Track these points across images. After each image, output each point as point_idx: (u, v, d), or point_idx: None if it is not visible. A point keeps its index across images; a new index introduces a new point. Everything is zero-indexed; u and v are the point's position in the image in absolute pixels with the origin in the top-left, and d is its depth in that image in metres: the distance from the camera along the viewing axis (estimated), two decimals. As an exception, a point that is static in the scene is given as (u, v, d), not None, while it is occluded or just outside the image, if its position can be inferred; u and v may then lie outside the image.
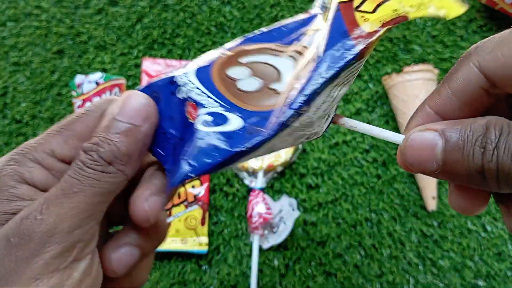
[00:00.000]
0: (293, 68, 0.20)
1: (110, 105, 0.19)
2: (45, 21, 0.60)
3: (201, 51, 0.58)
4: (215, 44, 0.58)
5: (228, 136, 0.19)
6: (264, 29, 0.21)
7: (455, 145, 0.16)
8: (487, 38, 0.17)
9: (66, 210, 0.17)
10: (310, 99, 0.19)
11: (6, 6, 0.61)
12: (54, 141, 0.19)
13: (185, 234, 0.48)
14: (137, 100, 0.19)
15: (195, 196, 0.49)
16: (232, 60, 0.21)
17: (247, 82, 0.20)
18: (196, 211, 0.49)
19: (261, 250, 0.49)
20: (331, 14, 0.20)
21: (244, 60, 0.20)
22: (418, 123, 0.19)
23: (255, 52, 0.21)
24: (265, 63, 0.20)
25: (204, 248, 0.48)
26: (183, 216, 0.48)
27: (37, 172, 0.18)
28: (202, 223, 0.48)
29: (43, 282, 0.16)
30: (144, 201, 0.19)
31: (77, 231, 0.17)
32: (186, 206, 0.49)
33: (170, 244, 0.47)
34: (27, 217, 0.16)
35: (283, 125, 0.19)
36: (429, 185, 0.49)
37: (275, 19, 0.59)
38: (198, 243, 0.48)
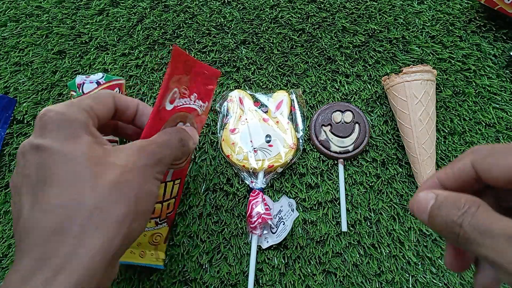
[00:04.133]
0: None
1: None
2: (46, 21, 0.60)
3: (202, 51, 0.58)
4: (215, 45, 0.58)
5: None
6: None
7: (438, 205, 0.24)
8: (483, 146, 0.25)
9: (164, 154, 0.31)
10: None
11: (6, 6, 0.61)
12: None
13: (146, 248, 0.44)
14: (197, 134, 0.38)
15: (167, 214, 0.45)
16: None
17: None
18: (163, 229, 0.45)
19: (261, 249, 0.49)
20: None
21: None
22: (428, 185, 0.28)
23: None
24: None
25: (160, 263, 0.45)
26: (149, 232, 0.44)
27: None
28: (165, 241, 0.46)
29: (155, 181, 0.30)
30: None
31: (165, 167, 0.31)
32: (156, 223, 0.44)
33: (128, 256, 0.42)
34: (149, 144, 0.31)
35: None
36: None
37: (275, 20, 0.60)
38: (155, 257, 0.45)
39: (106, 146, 0.29)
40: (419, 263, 0.49)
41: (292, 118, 0.53)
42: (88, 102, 0.30)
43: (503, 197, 0.26)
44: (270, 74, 0.57)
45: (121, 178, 0.27)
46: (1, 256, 0.49)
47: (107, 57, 0.58)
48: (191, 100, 0.36)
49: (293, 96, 0.54)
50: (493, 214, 0.21)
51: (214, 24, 0.59)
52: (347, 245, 0.49)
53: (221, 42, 0.58)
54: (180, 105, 0.35)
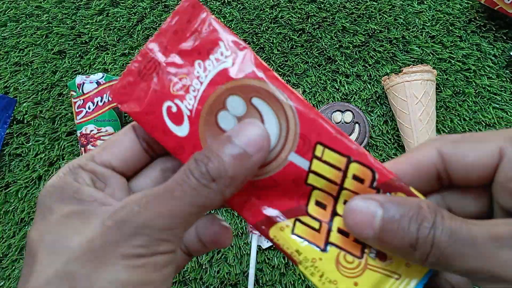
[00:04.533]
0: None
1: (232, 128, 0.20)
2: (46, 21, 0.60)
3: (202, 51, 0.58)
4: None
5: None
6: None
7: (393, 216, 0.17)
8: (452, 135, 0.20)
9: (162, 210, 0.18)
10: None
11: (6, 6, 0.61)
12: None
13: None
14: (256, 130, 0.19)
15: None
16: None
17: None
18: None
19: (261, 249, 0.49)
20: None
21: None
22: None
23: None
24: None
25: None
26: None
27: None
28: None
29: (127, 262, 0.18)
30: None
31: (166, 231, 0.18)
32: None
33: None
34: (125, 207, 0.18)
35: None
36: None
37: (275, 20, 0.60)
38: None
39: (90, 209, 0.19)
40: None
41: (292, 118, 0.53)
42: (90, 153, 0.22)
43: (449, 202, 0.21)
44: (270, 74, 0.57)
45: (58, 274, 0.18)
46: (1, 256, 0.49)
47: (107, 57, 0.58)
48: (199, 75, 0.21)
49: (293, 96, 0.54)
50: (460, 218, 0.17)
51: (214, 24, 0.59)
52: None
53: (221, 42, 0.58)
54: (197, 100, 0.21)
